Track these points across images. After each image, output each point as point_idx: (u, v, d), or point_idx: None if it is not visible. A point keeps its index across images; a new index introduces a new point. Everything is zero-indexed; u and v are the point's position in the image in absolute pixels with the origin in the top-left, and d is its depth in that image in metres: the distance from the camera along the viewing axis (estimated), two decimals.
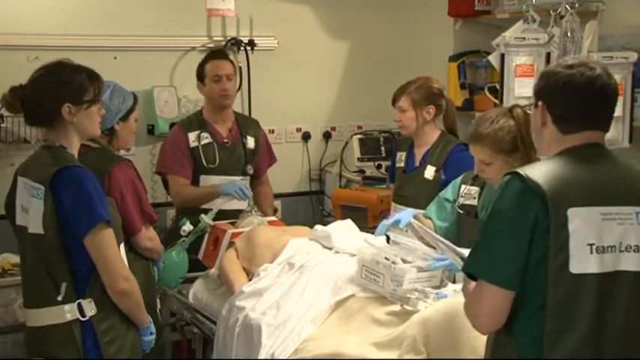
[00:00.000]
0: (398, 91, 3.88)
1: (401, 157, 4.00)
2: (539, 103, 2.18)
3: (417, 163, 3.88)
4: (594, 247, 2.02)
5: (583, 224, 2.02)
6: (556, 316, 2.01)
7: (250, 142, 4.43)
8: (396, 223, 3.10)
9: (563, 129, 2.15)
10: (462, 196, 3.25)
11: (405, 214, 3.15)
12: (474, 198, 3.22)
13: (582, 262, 2.01)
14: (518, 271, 2.03)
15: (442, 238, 2.81)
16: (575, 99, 2.12)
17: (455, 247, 2.72)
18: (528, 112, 3.13)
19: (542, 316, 2.02)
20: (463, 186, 3.28)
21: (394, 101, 3.87)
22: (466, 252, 2.38)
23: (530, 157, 2.93)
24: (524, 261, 2.02)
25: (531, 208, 2.02)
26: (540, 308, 2.02)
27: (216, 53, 4.48)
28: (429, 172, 3.80)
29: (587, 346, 2.03)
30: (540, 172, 2.07)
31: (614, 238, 2.05)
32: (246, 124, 4.48)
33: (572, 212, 2.01)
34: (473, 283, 2.14)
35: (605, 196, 2.07)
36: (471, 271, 2.12)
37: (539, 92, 2.20)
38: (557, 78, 2.15)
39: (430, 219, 3.34)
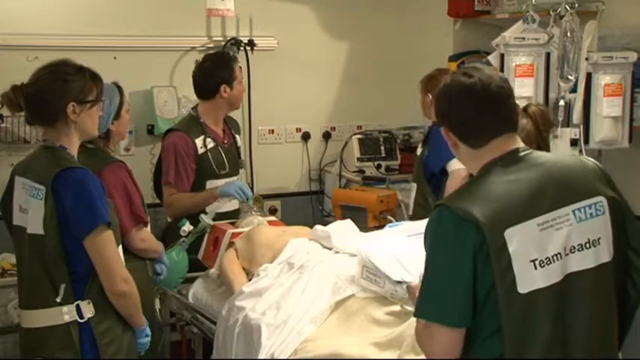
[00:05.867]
0: None
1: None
2: (442, 128, 2.14)
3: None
4: (537, 262, 1.96)
5: (522, 242, 1.95)
6: (513, 337, 1.95)
7: (239, 139, 4.42)
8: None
9: (473, 144, 2.08)
10: None
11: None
12: None
13: (528, 280, 1.95)
14: (468, 306, 1.95)
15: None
16: (465, 109, 2.07)
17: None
18: (542, 108, 3.16)
19: (501, 338, 1.96)
20: None
21: None
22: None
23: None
24: (473, 294, 1.95)
25: (468, 238, 1.93)
26: (497, 331, 1.96)
27: (234, 57, 4.43)
28: (419, 149, 4.18)
29: (553, 357, 1.99)
30: (468, 198, 2.00)
31: (557, 245, 1.99)
32: (232, 123, 4.45)
33: (509, 233, 1.93)
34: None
35: (537, 205, 2.00)
36: (422, 317, 2.02)
37: (438, 118, 2.16)
38: (444, 97, 2.11)
39: None
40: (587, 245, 2.03)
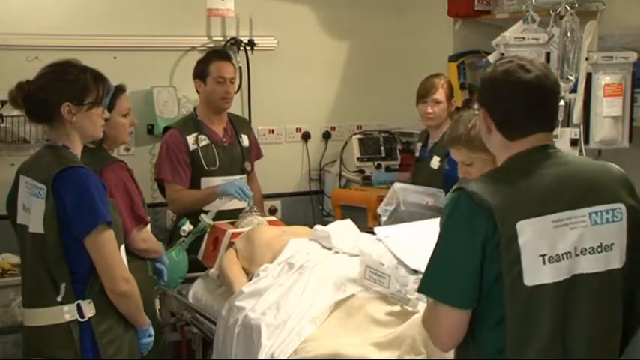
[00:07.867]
0: (431, 85, 4.18)
1: (418, 147, 4.41)
2: (482, 109, 2.15)
3: (427, 154, 4.25)
4: (546, 257, 1.98)
5: (534, 235, 1.98)
6: (515, 329, 1.98)
7: (245, 140, 4.45)
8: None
9: (508, 135, 2.11)
10: None
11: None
12: None
13: (536, 273, 1.97)
14: (474, 289, 1.99)
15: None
16: (515, 102, 2.09)
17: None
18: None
19: (505, 329, 1.99)
20: None
21: (427, 95, 4.16)
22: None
23: None
24: (479, 279, 1.99)
25: (480, 225, 1.98)
26: (501, 322, 1.99)
27: (221, 54, 4.47)
28: (435, 162, 4.13)
29: (551, 355, 2.00)
30: (487, 186, 2.03)
31: (568, 244, 2.01)
32: (238, 123, 4.50)
33: (521, 225, 1.97)
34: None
35: (555, 202, 2.02)
36: (426, 293, 2.09)
37: (480, 98, 2.17)
38: (495, 83, 2.12)
39: None
40: (599, 249, 2.05)
